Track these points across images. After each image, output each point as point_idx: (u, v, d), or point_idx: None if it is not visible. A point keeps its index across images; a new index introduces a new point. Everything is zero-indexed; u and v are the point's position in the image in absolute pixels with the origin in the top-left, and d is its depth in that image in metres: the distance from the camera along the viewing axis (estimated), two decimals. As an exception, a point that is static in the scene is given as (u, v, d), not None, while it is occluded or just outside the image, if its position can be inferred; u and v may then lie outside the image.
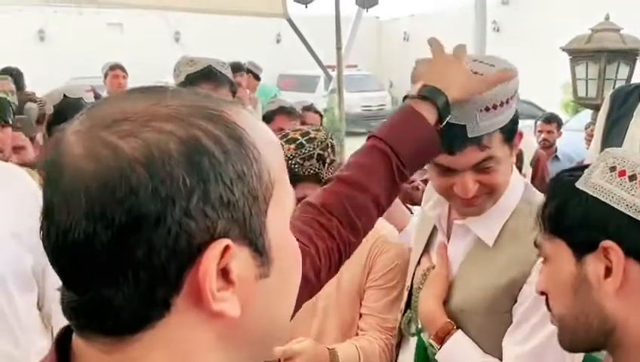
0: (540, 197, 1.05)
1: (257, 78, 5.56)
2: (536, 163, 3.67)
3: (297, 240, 0.98)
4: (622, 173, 0.86)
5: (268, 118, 3.01)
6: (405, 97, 1.11)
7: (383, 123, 1.10)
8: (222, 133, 0.49)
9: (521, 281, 1.15)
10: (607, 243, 0.84)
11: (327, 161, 1.55)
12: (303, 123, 3.21)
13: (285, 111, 3.07)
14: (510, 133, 1.18)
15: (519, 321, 1.17)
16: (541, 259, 0.96)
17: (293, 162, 1.51)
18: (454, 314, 1.24)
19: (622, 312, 0.85)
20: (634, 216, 0.84)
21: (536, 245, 0.95)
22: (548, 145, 4.61)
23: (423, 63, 1.18)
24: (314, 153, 1.53)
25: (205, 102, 0.52)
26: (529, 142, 3.67)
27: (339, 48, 5.40)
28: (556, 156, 4.66)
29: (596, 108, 3.42)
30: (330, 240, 0.98)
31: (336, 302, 1.59)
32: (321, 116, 4.11)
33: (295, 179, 1.48)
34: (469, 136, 1.13)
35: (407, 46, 16.71)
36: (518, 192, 1.26)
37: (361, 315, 1.60)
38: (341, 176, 1.05)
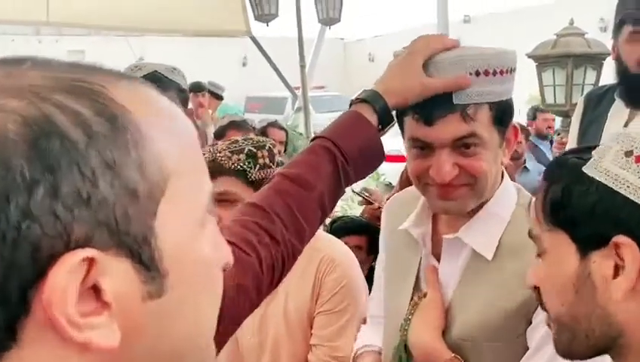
0: None
1: (218, 97, 5.45)
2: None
3: (238, 247, 0.82)
4: (639, 159, 0.73)
5: (220, 134, 3.00)
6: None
7: (328, 125, 1.04)
8: (86, 110, 0.40)
9: (533, 299, 0.99)
10: (621, 238, 0.71)
11: (260, 161, 1.41)
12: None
13: (235, 125, 3.10)
14: (502, 115, 1.03)
15: (538, 347, 1.00)
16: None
17: (221, 155, 1.38)
18: (456, 346, 1.06)
19: (631, 317, 0.73)
20: None
21: (530, 236, 0.82)
22: (517, 157, 4.55)
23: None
24: (244, 148, 1.41)
25: (76, 72, 0.41)
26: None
27: (302, 66, 5.35)
28: (525, 167, 4.62)
29: (565, 115, 3.37)
30: (275, 246, 0.88)
31: (286, 335, 1.44)
32: (286, 132, 4.01)
33: (218, 171, 1.36)
34: (455, 102, 0.99)
35: (372, 66, 16.86)
36: (513, 197, 1.12)
37: (311, 347, 1.44)
38: (285, 173, 0.95)
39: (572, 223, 0.75)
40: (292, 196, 0.92)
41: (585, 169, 0.75)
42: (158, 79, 1.82)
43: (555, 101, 3.28)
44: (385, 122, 1.01)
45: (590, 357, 0.78)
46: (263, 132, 3.78)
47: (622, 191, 0.72)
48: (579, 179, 0.75)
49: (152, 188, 0.42)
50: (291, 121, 6.33)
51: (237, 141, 1.44)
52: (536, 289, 0.82)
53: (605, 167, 0.74)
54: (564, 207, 0.76)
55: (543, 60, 3.27)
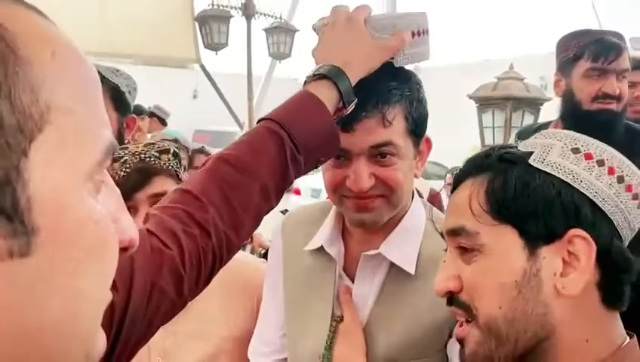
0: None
1: (163, 122, 5.33)
2: (431, 199, 3.65)
3: (157, 238, 0.70)
4: (589, 157, 0.71)
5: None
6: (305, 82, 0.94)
7: (276, 107, 0.93)
8: None
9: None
10: (578, 231, 0.68)
11: (183, 163, 1.34)
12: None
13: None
14: (415, 124, 1.00)
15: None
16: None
17: (149, 155, 1.28)
18: None
19: (566, 315, 0.69)
20: (600, 205, 0.70)
21: (455, 233, 0.75)
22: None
23: (322, 31, 1.00)
24: (170, 148, 1.33)
25: None
26: (422, 182, 3.66)
27: (250, 99, 5.36)
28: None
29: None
30: (204, 238, 0.76)
31: None
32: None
33: (152, 171, 1.26)
34: (397, 65, 0.98)
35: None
36: (422, 212, 1.09)
37: None
38: (223, 156, 0.84)
39: (523, 217, 0.70)
40: (230, 183, 0.80)
41: (532, 161, 0.72)
42: None
43: (493, 142, 3.35)
44: (348, 99, 0.92)
45: None
46: (190, 158, 3.69)
47: (576, 186, 0.70)
48: (527, 171, 0.71)
49: (24, 120, 0.35)
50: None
51: (153, 143, 1.33)
52: (452, 295, 0.75)
53: (554, 160, 0.71)
54: (515, 199, 0.70)
55: (484, 102, 3.35)
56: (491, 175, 0.73)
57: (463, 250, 0.74)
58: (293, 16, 6.80)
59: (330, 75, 0.90)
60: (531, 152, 0.73)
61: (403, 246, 1.04)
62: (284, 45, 5.94)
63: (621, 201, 0.70)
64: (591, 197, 0.70)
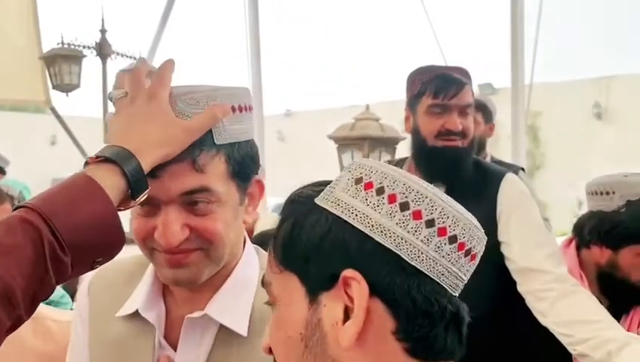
0: None
1: (2, 171, 4.81)
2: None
3: None
4: (368, 186, 0.63)
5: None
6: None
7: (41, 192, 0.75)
8: None
9: None
10: (349, 272, 0.59)
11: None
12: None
13: None
14: (240, 167, 0.88)
15: None
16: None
17: None
18: None
19: None
20: (379, 240, 0.60)
21: (262, 284, 0.69)
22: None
23: (119, 104, 0.85)
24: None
25: None
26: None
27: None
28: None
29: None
30: None
31: None
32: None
33: None
34: (217, 142, 0.84)
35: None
36: (255, 261, 0.96)
37: None
38: None
39: (302, 261, 0.63)
40: None
41: (317, 200, 0.65)
42: None
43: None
44: (138, 188, 0.78)
45: None
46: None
47: (350, 221, 0.62)
48: (310, 211, 0.64)
49: None
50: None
51: None
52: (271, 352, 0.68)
53: (337, 196, 0.64)
54: (293, 242, 0.64)
55: (343, 142, 3.37)
56: (281, 221, 0.67)
57: (270, 305, 0.68)
58: (154, 57, 6.56)
59: (116, 158, 0.76)
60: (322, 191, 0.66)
61: (233, 304, 0.90)
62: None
63: (408, 231, 0.60)
64: (366, 231, 0.61)
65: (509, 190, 1.75)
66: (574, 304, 1.56)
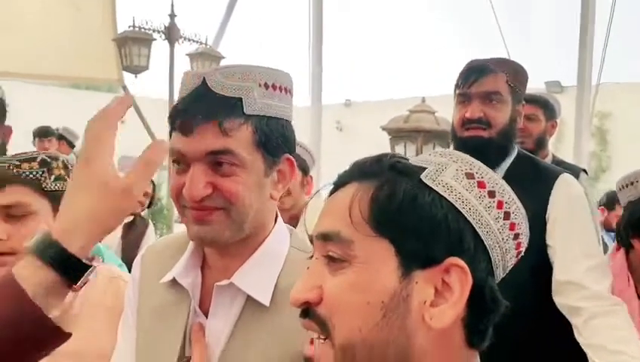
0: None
1: (71, 145, 5.10)
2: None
3: None
4: (482, 185, 0.66)
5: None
6: None
7: None
8: None
9: None
10: (458, 261, 0.63)
11: (55, 172, 1.27)
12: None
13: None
14: (267, 139, 0.93)
15: None
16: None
17: (6, 164, 1.21)
18: None
19: (428, 350, 0.64)
20: (483, 238, 0.65)
21: (328, 238, 0.67)
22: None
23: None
24: (37, 157, 1.26)
25: None
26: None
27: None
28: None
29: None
30: None
31: None
32: (153, 184, 3.86)
33: (4, 179, 1.20)
34: (245, 112, 0.90)
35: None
36: (286, 237, 1.01)
37: None
38: None
39: (403, 233, 0.63)
40: None
41: (424, 178, 0.66)
42: None
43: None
44: (70, 273, 0.71)
45: None
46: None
47: (464, 213, 0.65)
48: (418, 187, 0.66)
49: None
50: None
51: (25, 152, 1.28)
52: (309, 307, 0.67)
53: (447, 181, 0.66)
54: (400, 213, 0.64)
55: (396, 134, 3.40)
56: (379, 182, 0.66)
57: (331, 260, 0.66)
58: (220, 43, 6.74)
59: (34, 248, 0.70)
60: (424, 168, 0.67)
61: (258, 275, 0.95)
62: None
63: (502, 238, 0.67)
64: (476, 228, 0.65)
65: (562, 191, 1.68)
66: (606, 327, 1.53)
